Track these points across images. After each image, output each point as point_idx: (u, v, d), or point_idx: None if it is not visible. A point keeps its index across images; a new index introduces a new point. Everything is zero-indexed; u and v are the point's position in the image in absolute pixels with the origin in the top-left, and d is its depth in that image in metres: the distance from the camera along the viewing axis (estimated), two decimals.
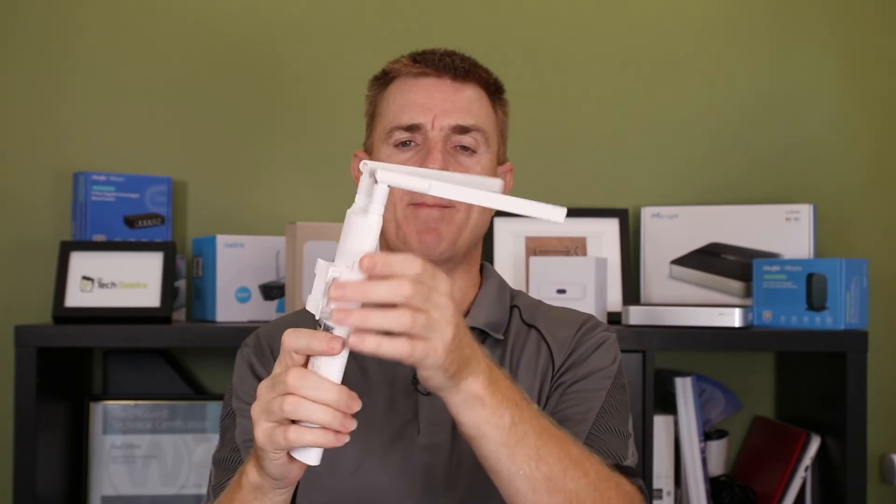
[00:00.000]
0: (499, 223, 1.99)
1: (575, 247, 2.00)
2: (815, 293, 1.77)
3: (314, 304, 0.90)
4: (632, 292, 2.01)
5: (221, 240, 1.85)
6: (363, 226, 0.90)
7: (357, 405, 0.89)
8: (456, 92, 1.22)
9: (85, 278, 1.78)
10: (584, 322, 1.26)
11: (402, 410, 1.19)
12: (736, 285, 1.95)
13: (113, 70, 2.00)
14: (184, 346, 1.97)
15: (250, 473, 0.98)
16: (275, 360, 1.24)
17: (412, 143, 1.22)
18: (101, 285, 1.78)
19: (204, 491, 1.71)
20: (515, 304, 1.29)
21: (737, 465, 2.04)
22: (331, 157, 2.03)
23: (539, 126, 2.05)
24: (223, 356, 1.94)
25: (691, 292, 1.99)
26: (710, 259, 1.98)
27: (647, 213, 2.04)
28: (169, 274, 1.80)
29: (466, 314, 1.24)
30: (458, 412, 0.95)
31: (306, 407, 0.87)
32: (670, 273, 2.01)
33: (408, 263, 0.87)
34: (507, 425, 0.96)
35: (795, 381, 1.99)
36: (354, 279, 0.87)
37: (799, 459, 1.82)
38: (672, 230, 2.02)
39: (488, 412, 0.95)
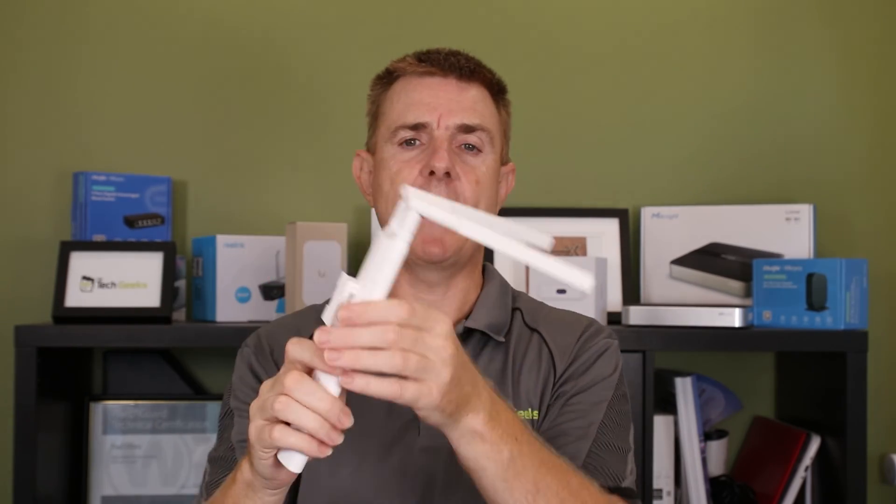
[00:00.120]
0: None
1: (575, 247, 2.00)
2: (815, 293, 1.77)
3: (328, 316, 0.90)
4: (632, 292, 2.01)
5: (221, 240, 1.85)
6: (386, 250, 0.90)
7: (348, 422, 0.88)
8: (461, 91, 1.22)
9: (85, 278, 1.78)
10: (585, 328, 1.26)
11: (402, 412, 1.18)
12: (736, 285, 1.95)
13: (113, 70, 2.00)
14: (184, 346, 1.97)
15: (244, 470, 0.99)
16: (275, 361, 1.24)
17: (417, 142, 1.21)
18: (101, 285, 1.78)
19: None
20: (517, 307, 1.29)
21: (737, 465, 2.04)
22: (331, 157, 2.03)
23: (539, 126, 2.05)
24: (223, 356, 1.94)
25: (691, 292, 1.99)
26: (710, 259, 1.98)
27: (647, 213, 2.04)
28: (169, 274, 1.80)
29: (468, 316, 1.24)
30: (457, 446, 0.96)
31: (296, 410, 0.88)
32: (670, 273, 2.01)
33: (391, 310, 0.86)
34: (505, 459, 0.96)
35: (795, 381, 1.99)
36: (360, 305, 0.87)
37: (799, 459, 1.83)
38: (672, 230, 2.02)
39: (487, 447, 0.95)
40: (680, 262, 2.00)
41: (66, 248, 1.79)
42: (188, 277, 1.97)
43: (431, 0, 2.06)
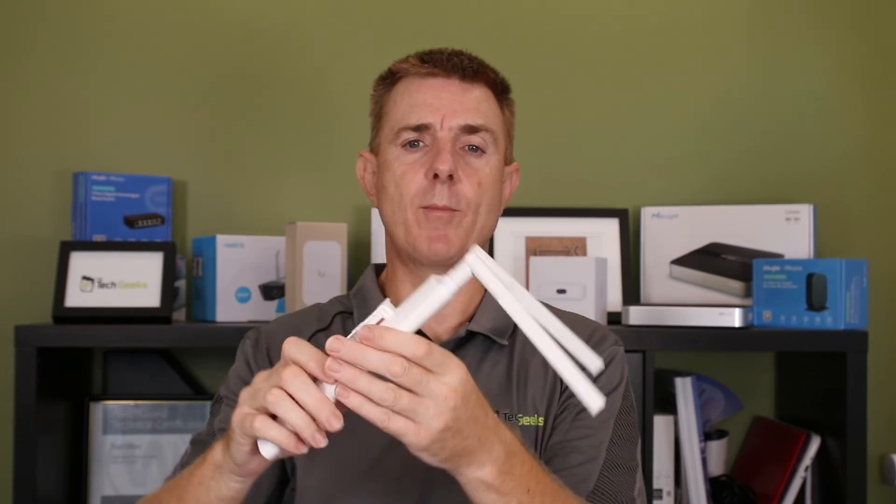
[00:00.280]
0: (499, 222, 1.98)
1: (575, 247, 2.00)
2: (815, 293, 1.77)
3: (355, 330, 0.91)
4: (632, 292, 2.01)
5: (221, 240, 1.85)
6: (430, 290, 0.92)
7: (338, 424, 0.88)
8: (464, 92, 1.22)
9: (85, 278, 1.78)
10: (591, 335, 1.25)
11: None
12: (736, 285, 1.95)
13: (113, 70, 2.00)
14: (184, 346, 1.97)
15: (216, 451, 0.99)
16: (270, 359, 1.25)
17: (420, 144, 1.21)
18: (101, 285, 1.78)
19: None
20: None
21: (737, 465, 2.04)
22: (331, 157, 2.03)
23: (539, 126, 2.05)
24: (223, 356, 1.94)
25: (691, 292, 1.99)
26: (710, 259, 1.98)
27: (647, 213, 2.04)
28: (169, 274, 1.80)
29: (471, 319, 1.24)
30: (463, 486, 0.96)
31: (286, 404, 0.88)
32: (670, 273, 2.01)
33: (408, 343, 0.87)
34: None
35: (795, 381, 1.99)
36: (381, 329, 0.88)
37: (799, 459, 1.83)
38: (672, 230, 2.02)
39: (495, 496, 0.96)
40: (680, 262, 2.00)
41: (66, 248, 1.79)
42: (188, 277, 1.97)
43: (432, 0, 2.07)
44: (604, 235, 2.01)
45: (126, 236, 1.91)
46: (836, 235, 2.06)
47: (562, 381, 1.20)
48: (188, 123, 2.02)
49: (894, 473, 1.99)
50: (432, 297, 0.91)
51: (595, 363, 0.90)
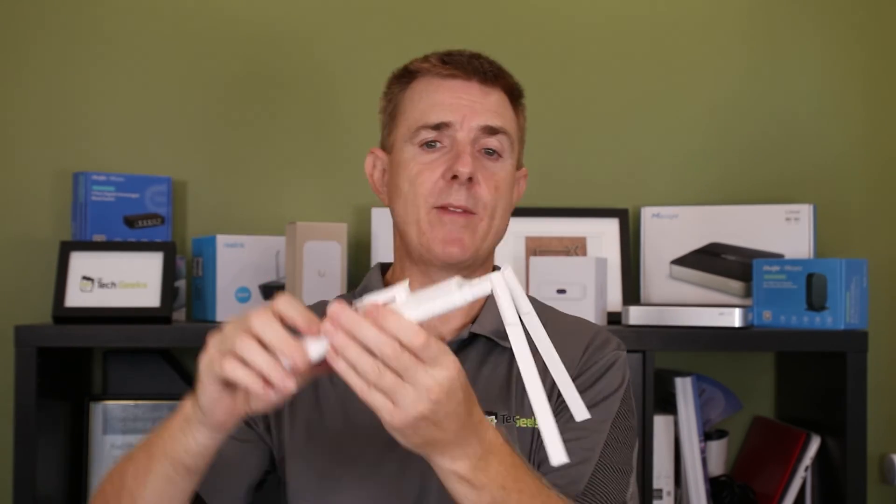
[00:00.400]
0: None
1: (575, 247, 2.00)
2: (815, 293, 1.77)
3: (364, 301, 0.92)
4: (632, 292, 2.01)
5: (221, 240, 1.85)
6: (447, 292, 0.92)
7: (302, 361, 0.88)
8: (484, 95, 1.23)
9: (85, 278, 1.78)
10: (592, 339, 1.25)
11: None
12: (736, 285, 1.95)
13: (113, 70, 2.00)
14: (184, 346, 1.97)
15: (185, 405, 1.00)
16: None
17: (438, 145, 1.21)
18: (101, 285, 1.78)
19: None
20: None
21: (737, 465, 2.04)
22: (331, 156, 2.03)
23: (539, 126, 2.04)
24: None
25: (691, 292, 1.99)
26: (710, 259, 1.98)
27: (647, 213, 2.04)
28: (169, 274, 1.80)
29: (474, 320, 1.24)
30: (437, 472, 0.97)
31: (252, 349, 0.89)
32: (670, 273, 2.01)
33: (408, 331, 0.87)
34: (486, 503, 0.97)
35: (795, 381, 1.99)
36: (387, 310, 0.88)
37: (799, 459, 1.83)
38: (672, 230, 2.02)
39: (466, 489, 0.96)
40: (680, 262, 2.00)
41: (66, 248, 1.79)
42: (188, 277, 1.97)
43: (430, 0, 2.06)
44: (604, 235, 2.01)
45: (126, 236, 1.91)
46: (836, 235, 2.06)
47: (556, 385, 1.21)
48: (188, 123, 2.02)
49: (894, 473, 1.99)
50: (447, 299, 0.92)
51: (581, 413, 0.96)
